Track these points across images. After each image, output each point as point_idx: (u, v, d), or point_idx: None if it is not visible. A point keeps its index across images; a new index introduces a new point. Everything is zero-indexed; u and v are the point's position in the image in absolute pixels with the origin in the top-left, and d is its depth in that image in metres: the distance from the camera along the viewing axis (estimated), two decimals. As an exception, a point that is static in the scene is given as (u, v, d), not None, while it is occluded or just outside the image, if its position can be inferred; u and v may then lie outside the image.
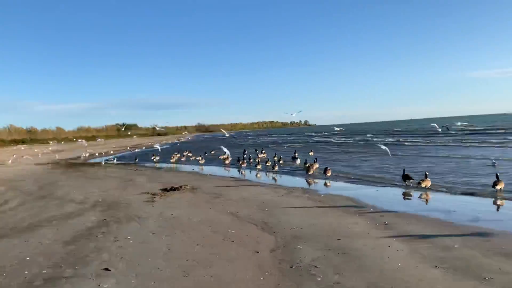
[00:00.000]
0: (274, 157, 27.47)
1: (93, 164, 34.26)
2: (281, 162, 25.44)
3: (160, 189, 16.62)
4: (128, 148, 65.85)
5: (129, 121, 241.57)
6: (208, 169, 26.18)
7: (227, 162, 29.35)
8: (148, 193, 15.70)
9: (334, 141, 59.10)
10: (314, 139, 73.01)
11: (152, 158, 36.26)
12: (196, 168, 27.00)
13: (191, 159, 34.63)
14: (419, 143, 42.66)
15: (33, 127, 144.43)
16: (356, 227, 9.17)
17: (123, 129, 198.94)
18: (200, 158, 33.94)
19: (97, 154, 51.33)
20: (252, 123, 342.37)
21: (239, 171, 24.14)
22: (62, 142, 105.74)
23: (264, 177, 20.34)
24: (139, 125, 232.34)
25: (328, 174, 18.85)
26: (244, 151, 42.42)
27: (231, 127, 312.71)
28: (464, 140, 42.47)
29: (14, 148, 77.41)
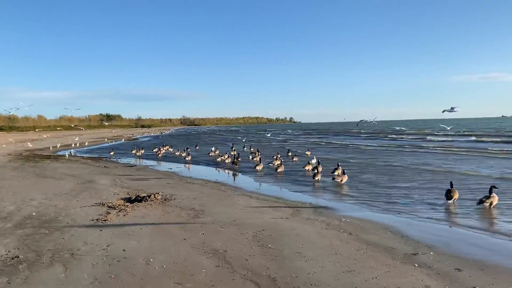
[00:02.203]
0: (276, 156, 24.05)
1: (58, 158, 29.81)
2: (272, 162, 21.58)
3: (122, 199, 12.62)
4: (106, 139, 61.19)
5: (113, 111, 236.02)
6: (191, 169, 22.16)
7: (218, 160, 25.57)
8: (104, 204, 11.67)
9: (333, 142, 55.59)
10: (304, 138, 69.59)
11: (134, 152, 32.38)
12: (175, 167, 22.95)
13: (177, 154, 30.62)
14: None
15: (13, 114, 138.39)
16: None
17: (106, 121, 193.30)
18: (184, 154, 30.15)
19: (73, 145, 46.78)
20: (238, 118, 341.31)
21: (234, 175, 20.15)
22: (37, 130, 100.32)
23: (259, 183, 16.45)
24: (123, 116, 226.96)
25: (343, 181, 15.20)
26: (232, 145, 38.77)
27: (217, 121, 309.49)
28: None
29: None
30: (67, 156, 29.29)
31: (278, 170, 19.70)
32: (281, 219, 9.80)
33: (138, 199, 12.42)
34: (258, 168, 20.86)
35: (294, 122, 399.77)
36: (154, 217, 10.03)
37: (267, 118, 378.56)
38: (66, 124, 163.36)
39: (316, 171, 17.39)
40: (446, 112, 16.58)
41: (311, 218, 9.93)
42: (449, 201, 11.38)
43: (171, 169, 22.23)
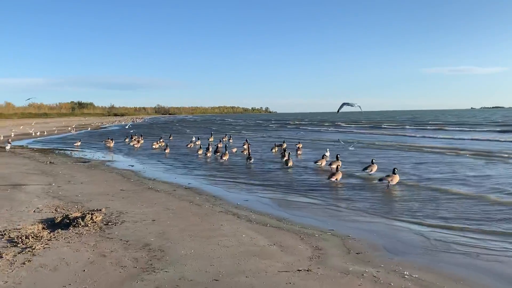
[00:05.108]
0: (282, 145, 20.43)
1: (0, 149, 24.72)
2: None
3: (42, 221, 8.20)
4: (69, 128, 55.56)
5: (86, 99, 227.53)
6: (158, 166, 17.71)
7: (199, 153, 21.54)
8: (4, 233, 7.23)
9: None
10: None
11: (105, 143, 28.37)
12: (139, 164, 18.47)
13: (155, 146, 26.24)
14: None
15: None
16: None
17: (77, 109, 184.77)
18: (157, 143, 25.99)
19: (33, 134, 41.43)
20: (214, 107, 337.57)
21: (214, 176, 15.86)
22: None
23: (250, 188, 12.19)
24: (96, 104, 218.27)
25: (394, 182, 11.36)
26: (211, 134, 34.54)
27: (192, 110, 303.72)
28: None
29: None
30: (7, 148, 24.21)
31: (289, 165, 16.30)
32: (298, 272, 5.60)
33: (66, 223, 8.01)
34: (250, 161, 17.81)
35: (270, 112, 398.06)
36: (73, 269, 5.68)
37: (243, 108, 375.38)
38: (35, 112, 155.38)
39: (333, 168, 13.56)
40: (345, 107, 14.19)
41: (348, 269, 5.76)
42: None
43: (132, 166, 17.71)
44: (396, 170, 12.21)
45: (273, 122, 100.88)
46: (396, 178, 11.93)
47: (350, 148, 20.42)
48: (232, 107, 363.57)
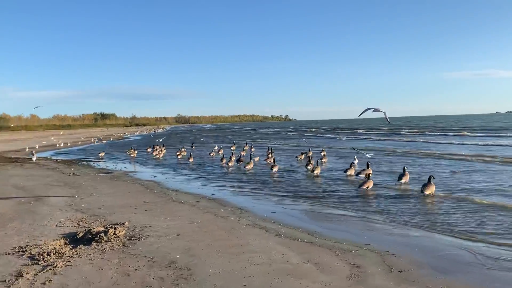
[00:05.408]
0: (308, 153, 20.04)
1: (25, 161, 24.97)
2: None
3: (64, 236, 7.93)
4: (92, 139, 56.21)
5: (108, 110, 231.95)
6: (181, 176, 17.41)
7: (223, 162, 21.28)
8: (25, 250, 6.98)
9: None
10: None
11: (128, 153, 28.42)
12: (162, 174, 18.23)
13: (179, 156, 26.11)
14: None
15: (5, 113, 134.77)
16: None
17: (100, 120, 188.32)
18: (180, 153, 25.90)
19: (57, 145, 42.11)
20: (233, 116, 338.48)
21: (238, 187, 15.48)
22: (20, 130, 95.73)
23: (277, 199, 11.73)
24: (118, 115, 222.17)
25: (430, 191, 10.96)
26: (233, 142, 34.30)
27: (212, 119, 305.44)
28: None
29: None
30: (34, 159, 24.45)
31: (315, 172, 15.95)
32: (337, 294, 5.12)
33: (88, 238, 7.71)
34: (274, 169, 17.47)
35: (290, 119, 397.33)
36: (102, 283, 5.33)
37: (262, 116, 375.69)
38: (59, 124, 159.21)
39: (364, 175, 13.03)
40: (370, 111, 13.47)
41: (393, 291, 5.24)
42: None
43: (155, 177, 17.48)
44: (432, 178, 11.55)
45: (291, 129, 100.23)
46: (432, 188, 11.28)
47: (367, 156, 19.69)
48: (252, 116, 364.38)
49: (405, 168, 13.92)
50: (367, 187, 12.03)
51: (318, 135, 63.43)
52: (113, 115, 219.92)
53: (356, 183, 13.68)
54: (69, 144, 45.62)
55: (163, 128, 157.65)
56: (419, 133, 57.48)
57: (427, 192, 11.18)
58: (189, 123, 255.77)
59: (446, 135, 49.47)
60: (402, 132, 60.11)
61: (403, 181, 13.05)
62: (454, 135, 47.84)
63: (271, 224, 8.87)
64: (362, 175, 13.85)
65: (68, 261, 6.43)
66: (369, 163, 15.18)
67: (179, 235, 7.98)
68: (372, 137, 52.03)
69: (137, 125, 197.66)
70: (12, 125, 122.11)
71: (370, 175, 12.97)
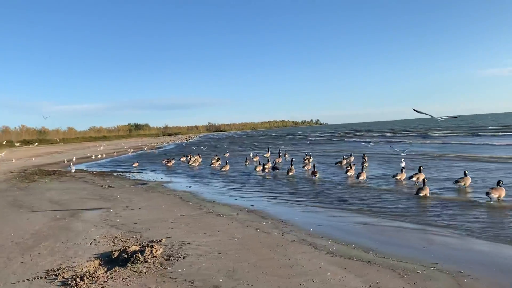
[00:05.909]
0: (349, 158, 19.40)
1: (62, 174, 25.19)
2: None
3: (98, 256, 7.41)
4: (128, 150, 56.90)
5: (141, 121, 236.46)
6: (216, 186, 16.82)
7: (258, 170, 20.67)
8: (58, 273, 6.48)
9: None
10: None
11: (164, 162, 28.36)
12: (196, 184, 17.72)
13: (215, 165, 25.62)
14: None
15: (44, 128, 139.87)
16: None
17: (134, 131, 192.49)
18: (216, 162, 25.30)
19: (93, 157, 42.80)
20: (263, 123, 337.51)
21: (275, 198, 14.73)
22: (58, 143, 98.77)
23: (319, 210, 10.89)
24: (151, 125, 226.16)
25: (499, 196, 10.12)
26: (268, 149, 33.60)
27: (242, 126, 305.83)
28: None
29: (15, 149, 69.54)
30: (73, 171, 24.65)
31: (360, 178, 15.27)
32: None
33: (123, 258, 7.16)
34: (316, 176, 16.90)
35: (321, 124, 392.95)
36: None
37: (293, 121, 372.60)
38: (95, 135, 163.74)
39: (418, 182, 12.10)
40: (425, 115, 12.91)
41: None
42: None
43: (189, 187, 16.98)
44: (501, 182, 10.43)
45: (320, 134, 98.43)
46: (501, 192, 10.16)
47: (402, 154, 18.55)
48: (282, 121, 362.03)
49: (466, 171, 12.78)
50: (425, 195, 10.99)
51: (346, 139, 61.47)
52: (147, 125, 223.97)
53: (406, 189, 12.64)
54: (104, 155, 46.23)
55: (194, 136, 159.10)
56: (452, 134, 54.53)
57: (494, 195, 10.05)
58: (220, 131, 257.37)
59: (484, 135, 46.53)
60: (432, 134, 56.84)
61: (461, 184, 11.96)
62: (494, 136, 44.99)
63: (320, 239, 8.05)
64: (414, 179, 12.79)
65: (102, 287, 5.87)
66: (421, 167, 14.08)
67: (220, 253, 7.31)
68: (405, 140, 49.84)
69: (169, 134, 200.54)
70: (51, 138, 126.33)
71: (425, 181, 11.87)
